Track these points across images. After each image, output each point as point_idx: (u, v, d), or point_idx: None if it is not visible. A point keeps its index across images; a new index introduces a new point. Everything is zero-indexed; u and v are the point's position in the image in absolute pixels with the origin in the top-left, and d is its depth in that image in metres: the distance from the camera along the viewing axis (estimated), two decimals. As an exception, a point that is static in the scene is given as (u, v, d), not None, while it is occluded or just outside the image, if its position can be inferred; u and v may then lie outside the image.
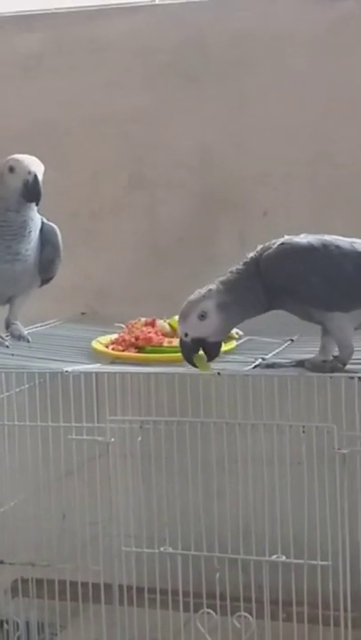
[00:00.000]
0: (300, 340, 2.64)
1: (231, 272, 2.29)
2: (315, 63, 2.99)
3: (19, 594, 2.68)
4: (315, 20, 2.99)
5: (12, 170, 2.60)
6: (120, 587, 2.50)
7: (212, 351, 2.27)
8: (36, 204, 2.64)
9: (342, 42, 2.98)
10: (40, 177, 2.59)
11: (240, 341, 2.63)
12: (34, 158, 2.61)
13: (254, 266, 2.28)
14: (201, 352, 2.26)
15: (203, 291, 2.25)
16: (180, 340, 2.27)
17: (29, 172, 2.58)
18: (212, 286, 2.25)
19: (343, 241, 2.28)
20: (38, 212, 2.68)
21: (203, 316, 2.22)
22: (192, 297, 2.25)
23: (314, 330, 2.37)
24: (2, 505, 2.65)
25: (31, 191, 2.59)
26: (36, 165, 2.59)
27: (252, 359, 2.42)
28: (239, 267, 2.29)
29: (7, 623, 2.70)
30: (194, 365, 2.27)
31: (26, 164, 2.59)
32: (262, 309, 2.30)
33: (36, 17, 3.29)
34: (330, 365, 2.29)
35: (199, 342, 2.24)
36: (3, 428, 2.58)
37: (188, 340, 2.24)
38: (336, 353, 2.30)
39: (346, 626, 2.32)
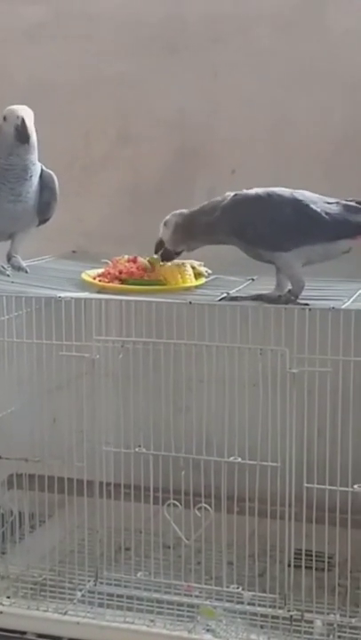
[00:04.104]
0: (260, 280, 2.80)
1: (199, 206, 2.60)
2: (279, 40, 3.12)
3: (14, 486, 2.79)
4: (280, 2, 3.13)
5: (5, 119, 2.72)
6: (100, 483, 2.65)
7: (165, 255, 2.68)
8: (27, 144, 2.73)
9: (303, 22, 3.11)
10: (28, 120, 2.70)
11: (208, 279, 2.80)
12: (23, 106, 2.71)
13: (214, 210, 2.54)
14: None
15: (182, 210, 2.63)
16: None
17: (17, 117, 2.69)
18: (185, 210, 2.61)
19: (285, 191, 2.51)
20: (38, 161, 2.79)
21: (165, 225, 2.63)
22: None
23: (271, 271, 2.55)
24: (1, 411, 2.78)
25: (21, 132, 2.70)
26: (24, 111, 2.70)
27: (219, 293, 2.59)
28: (205, 204, 2.59)
29: (3, 510, 2.82)
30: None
31: (14, 109, 2.71)
32: (210, 243, 2.62)
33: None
34: (284, 298, 2.49)
35: (162, 244, 2.66)
36: (2, 344, 2.71)
37: (158, 240, 2.66)
38: (290, 287, 2.50)
39: (290, 519, 2.50)
